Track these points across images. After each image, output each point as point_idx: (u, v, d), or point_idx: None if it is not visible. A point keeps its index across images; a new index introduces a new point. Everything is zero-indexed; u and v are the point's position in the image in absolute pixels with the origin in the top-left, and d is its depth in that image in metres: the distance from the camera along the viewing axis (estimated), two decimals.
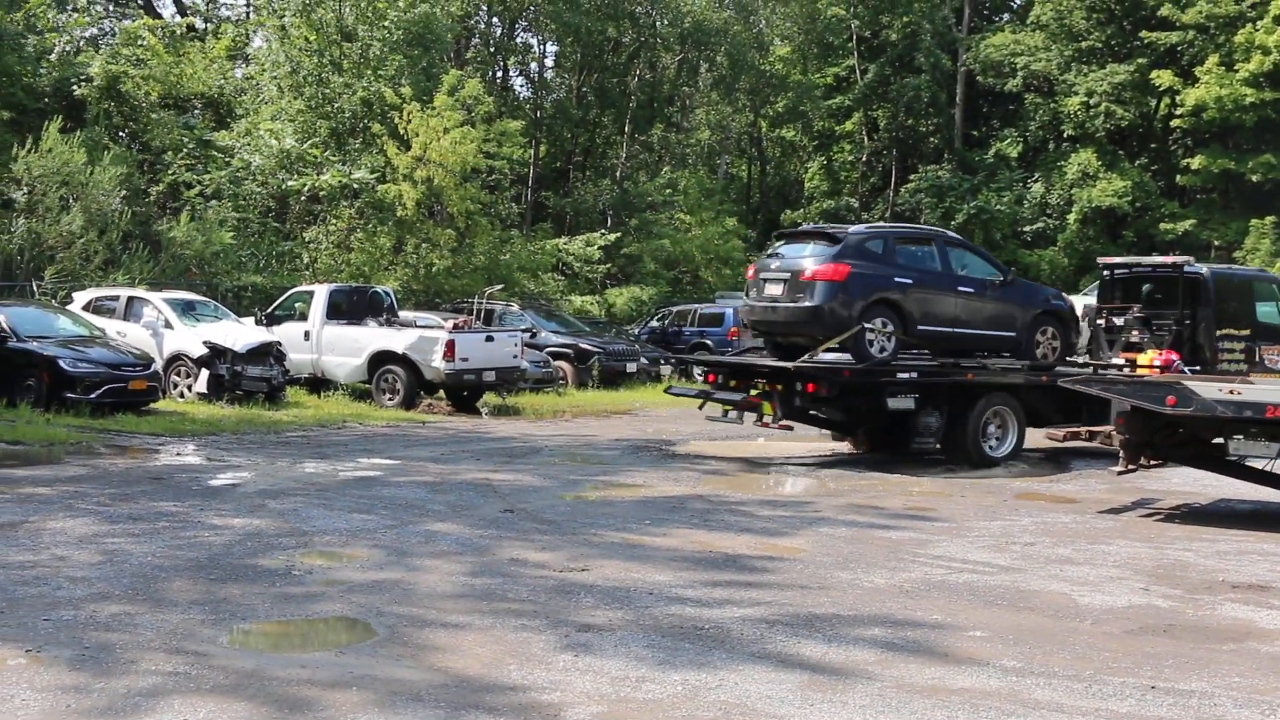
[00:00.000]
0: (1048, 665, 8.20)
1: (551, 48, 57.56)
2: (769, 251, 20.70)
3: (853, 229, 19.58)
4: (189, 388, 24.28)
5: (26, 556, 10.35)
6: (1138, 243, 54.09)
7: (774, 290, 18.96)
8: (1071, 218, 52.80)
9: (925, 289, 18.89)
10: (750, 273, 20.33)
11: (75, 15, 41.98)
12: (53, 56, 36.58)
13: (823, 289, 18.18)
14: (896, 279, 18.58)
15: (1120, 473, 15.95)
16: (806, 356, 18.44)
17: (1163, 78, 51.13)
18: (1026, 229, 54.74)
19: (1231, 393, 14.25)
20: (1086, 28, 54.94)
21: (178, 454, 17.82)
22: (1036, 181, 54.87)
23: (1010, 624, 9.27)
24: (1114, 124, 53.39)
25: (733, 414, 19.64)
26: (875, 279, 18.41)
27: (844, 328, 18.04)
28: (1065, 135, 55.45)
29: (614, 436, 22.27)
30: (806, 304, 18.35)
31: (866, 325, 18.16)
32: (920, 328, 18.76)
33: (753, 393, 18.98)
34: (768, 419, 18.81)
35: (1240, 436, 14.37)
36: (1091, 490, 17.17)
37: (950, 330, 19.18)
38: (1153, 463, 16.04)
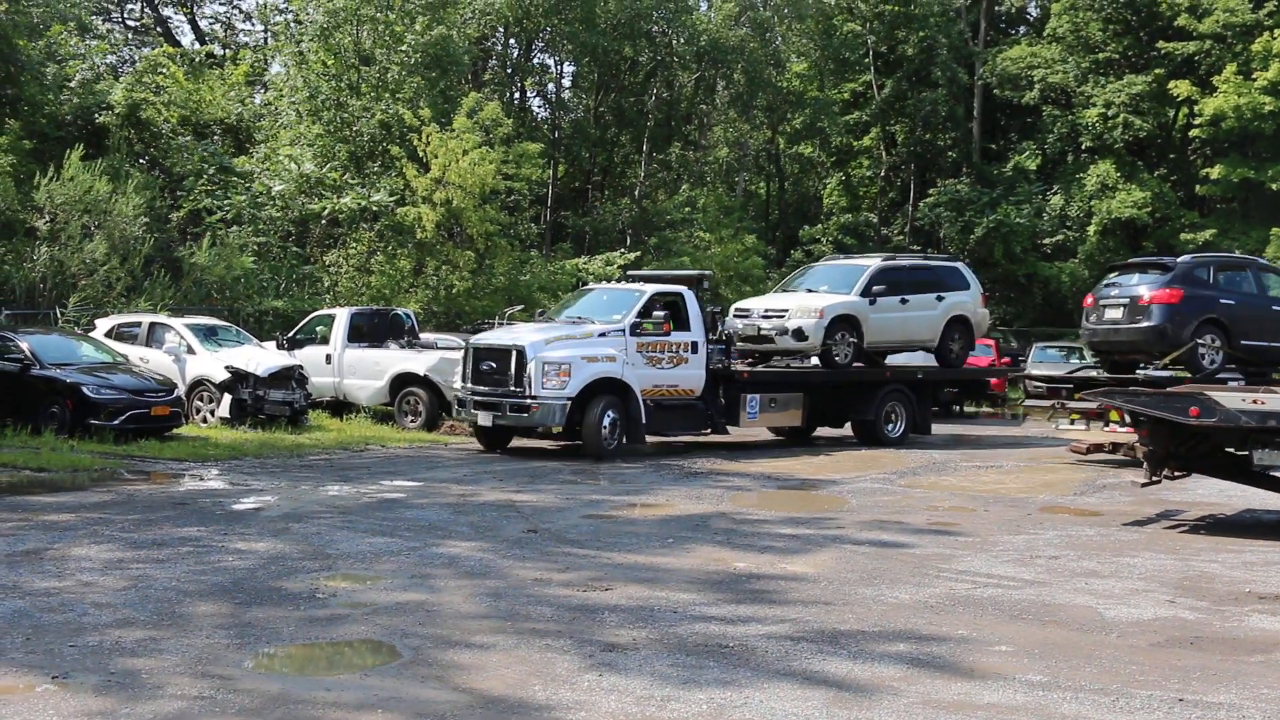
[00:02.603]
0: (1074, 679, 8.17)
1: (569, 68, 57.64)
2: (1105, 282, 22.79)
3: (1181, 259, 22.07)
4: (212, 413, 24.32)
5: (52, 583, 10.38)
6: (1158, 253, 53.91)
7: (1114, 315, 21.50)
8: (1091, 229, 52.59)
9: (1245, 309, 21.20)
10: (1088, 301, 22.56)
11: (96, 43, 42.15)
12: (73, 84, 36.71)
13: (1160, 311, 20.72)
14: (1221, 300, 21.07)
15: (1144, 484, 15.90)
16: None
17: (1180, 88, 50.94)
18: (1046, 241, 54.51)
19: (1255, 402, 14.20)
20: (1103, 39, 54.78)
21: (201, 479, 17.86)
22: (1055, 194, 54.64)
23: (1036, 638, 9.24)
24: (1132, 135, 53.17)
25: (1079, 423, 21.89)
26: (1204, 301, 20.87)
27: (1180, 344, 20.34)
28: (1084, 147, 55.22)
29: (634, 455, 22.27)
30: (1146, 325, 20.86)
31: (1199, 342, 20.50)
32: (1242, 343, 20.93)
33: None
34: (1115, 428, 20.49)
35: (1265, 447, 14.33)
36: (1115, 503, 17.12)
37: (1268, 344, 21.28)
38: (1176, 474, 15.97)
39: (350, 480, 17.93)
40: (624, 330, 21.74)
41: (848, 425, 25.83)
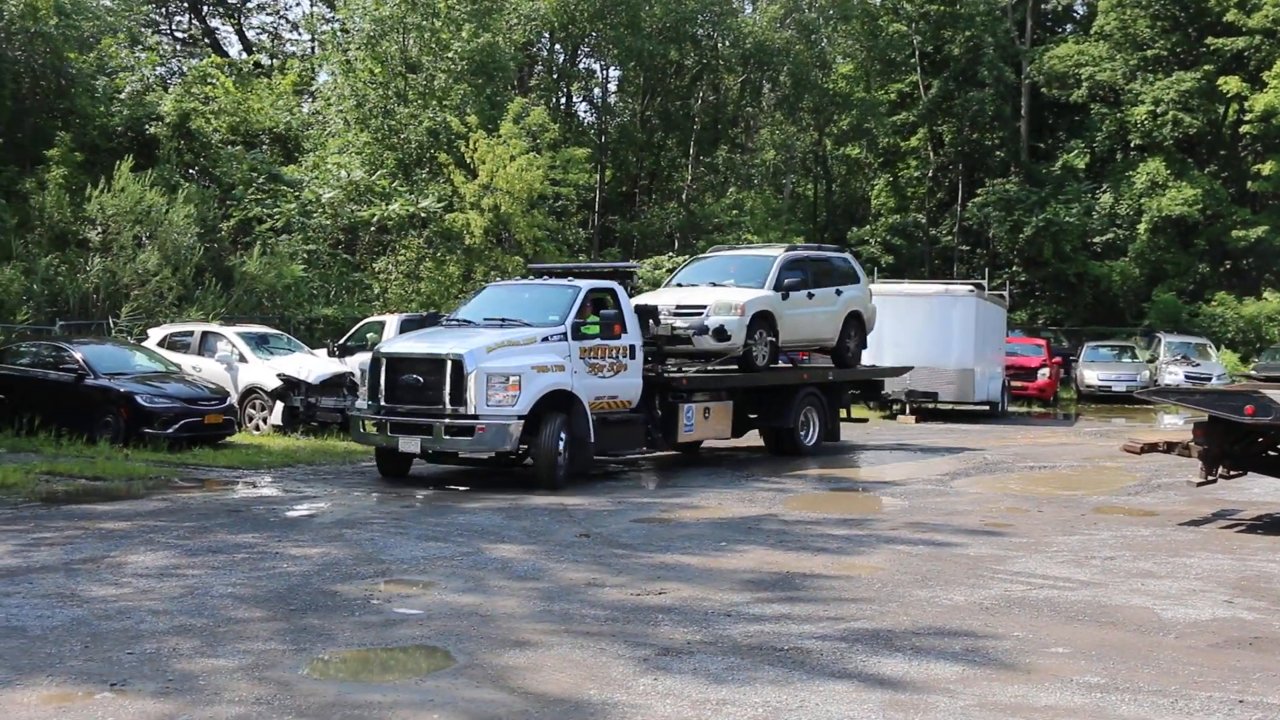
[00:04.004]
0: (1132, 681, 8.12)
1: (614, 72, 57.69)
2: None
3: None
4: (264, 420, 24.46)
5: (109, 591, 10.46)
6: (1209, 251, 53.56)
7: None
8: (1141, 227, 52.28)
9: None
10: None
11: (145, 55, 42.50)
12: (123, 96, 37.03)
13: None
14: None
15: (1199, 484, 15.77)
16: None
17: (1230, 84, 50.59)
18: (1096, 240, 54.21)
19: None
20: (1151, 36, 54.44)
21: (254, 486, 17.96)
22: (1105, 192, 54.33)
23: (1093, 639, 9.18)
24: (1182, 132, 52.82)
25: None
26: None
27: None
28: (1133, 145, 54.89)
29: (685, 459, 22.26)
30: None
31: None
32: None
33: None
34: None
35: None
36: (1170, 502, 17.00)
37: None
38: (1232, 473, 15.84)
39: (401, 485, 18.00)
40: (566, 334, 18.39)
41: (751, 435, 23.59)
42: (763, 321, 21.65)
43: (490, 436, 17.33)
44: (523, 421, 17.40)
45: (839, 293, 23.90)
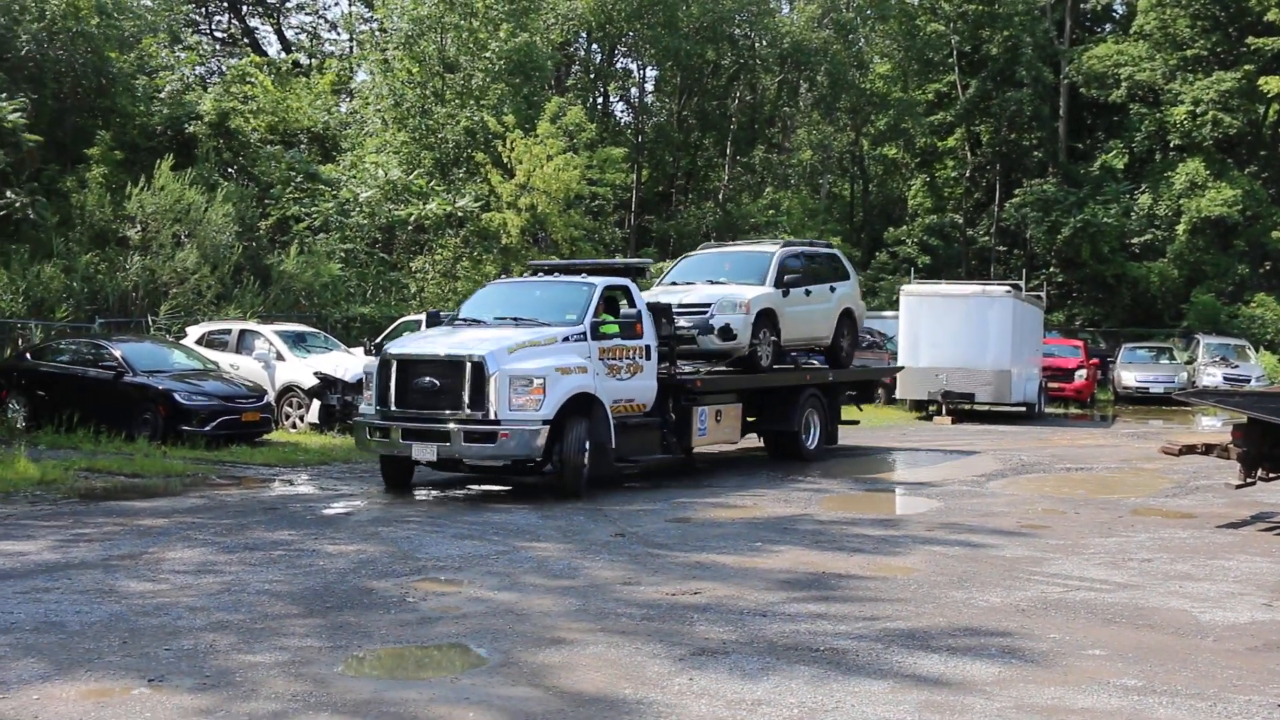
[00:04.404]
0: (1170, 684, 8.07)
1: (651, 72, 57.73)
2: None
3: None
4: (301, 418, 24.57)
5: (146, 586, 10.52)
6: (1249, 252, 53.24)
7: None
8: (1180, 228, 52.03)
9: None
10: None
11: (186, 54, 42.76)
12: (163, 95, 37.24)
13: None
14: None
15: (1238, 486, 15.67)
16: None
17: (1271, 84, 50.27)
18: (1134, 241, 53.98)
19: None
20: (1191, 36, 54.17)
21: (291, 484, 18.03)
22: (1144, 193, 54.10)
23: (1130, 642, 9.13)
24: (1222, 132, 52.54)
25: None
26: None
27: None
28: (1172, 145, 54.64)
29: (722, 460, 22.24)
30: None
31: None
32: None
33: None
34: None
35: None
36: (1208, 504, 16.90)
37: None
38: (1271, 475, 15.74)
39: (437, 484, 18.05)
40: (585, 333, 17.26)
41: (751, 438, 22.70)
42: (766, 320, 20.74)
43: (513, 443, 15.98)
44: (548, 427, 16.13)
45: (833, 290, 22.96)
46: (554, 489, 16.99)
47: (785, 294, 21.29)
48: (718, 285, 21.15)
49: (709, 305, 20.19)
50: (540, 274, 20.41)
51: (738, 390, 20.76)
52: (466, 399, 16.08)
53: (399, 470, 17.45)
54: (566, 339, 17.03)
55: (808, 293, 22.04)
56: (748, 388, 20.93)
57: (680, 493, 17.65)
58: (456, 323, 18.48)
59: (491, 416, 16.00)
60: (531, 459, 16.47)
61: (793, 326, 21.63)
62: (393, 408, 16.60)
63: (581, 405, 16.73)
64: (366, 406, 17.22)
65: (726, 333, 19.99)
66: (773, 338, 20.96)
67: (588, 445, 16.82)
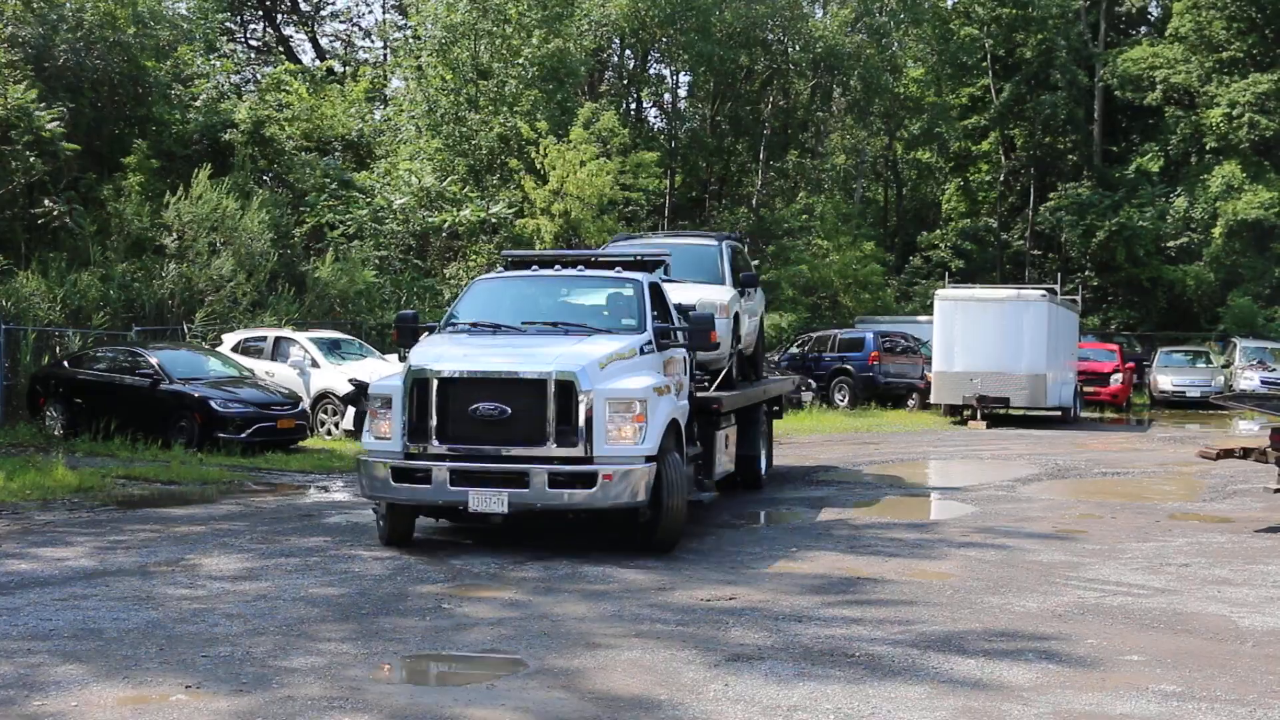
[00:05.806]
0: (1209, 690, 8.03)
1: (684, 77, 57.63)
2: None
3: None
4: (336, 425, 24.65)
5: (183, 593, 10.58)
6: None
7: None
8: (1216, 231, 51.75)
9: None
10: None
11: (221, 62, 42.95)
12: (199, 103, 37.41)
13: None
14: None
15: (1276, 490, 15.59)
16: None
17: None
18: (1170, 245, 53.71)
19: None
20: (1227, 38, 53.87)
21: (326, 491, 18.11)
22: (1179, 196, 53.84)
23: (1168, 647, 9.09)
24: (1258, 135, 52.22)
25: None
26: None
27: None
28: (1208, 148, 54.35)
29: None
30: None
31: None
32: None
33: None
34: None
35: None
36: (1247, 509, 16.81)
37: None
38: None
39: None
40: (652, 342, 13.77)
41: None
42: (735, 326, 17.45)
43: (619, 486, 12.15)
44: (653, 466, 12.45)
45: (757, 290, 19.52)
46: (623, 537, 13.30)
47: (741, 294, 17.94)
48: (678, 284, 16.51)
49: (692, 308, 15.47)
50: (534, 267, 15.50)
51: (735, 410, 17.00)
52: (551, 430, 12.28)
53: (409, 521, 13.63)
54: (642, 350, 13.52)
55: (747, 294, 18.50)
56: (743, 406, 17.37)
57: (719, 498, 17.57)
58: (478, 330, 14.16)
59: (587, 454, 12.29)
60: (638, 508, 12.52)
61: (745, 333, 18.38)
62: (433, 442, 12.56)
63: (675, 436, 13.28)
64: (376, 440, 13.05)
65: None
66: (739, 346, 17.91)
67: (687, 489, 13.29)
